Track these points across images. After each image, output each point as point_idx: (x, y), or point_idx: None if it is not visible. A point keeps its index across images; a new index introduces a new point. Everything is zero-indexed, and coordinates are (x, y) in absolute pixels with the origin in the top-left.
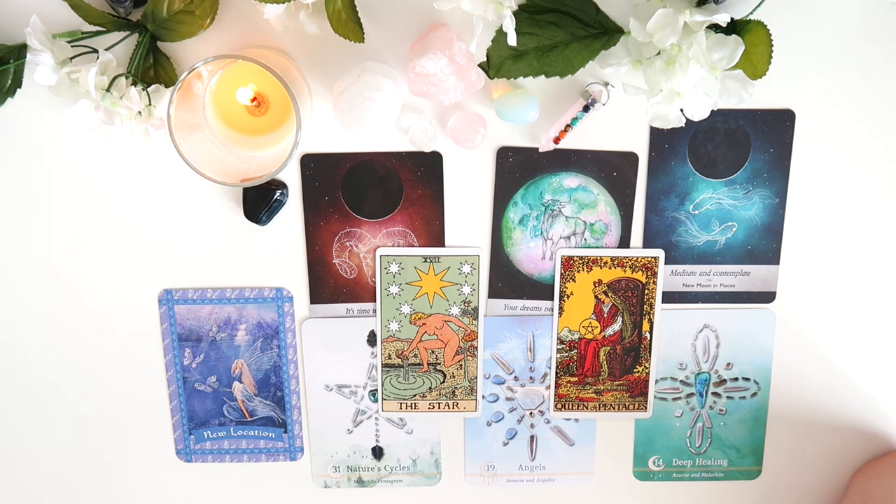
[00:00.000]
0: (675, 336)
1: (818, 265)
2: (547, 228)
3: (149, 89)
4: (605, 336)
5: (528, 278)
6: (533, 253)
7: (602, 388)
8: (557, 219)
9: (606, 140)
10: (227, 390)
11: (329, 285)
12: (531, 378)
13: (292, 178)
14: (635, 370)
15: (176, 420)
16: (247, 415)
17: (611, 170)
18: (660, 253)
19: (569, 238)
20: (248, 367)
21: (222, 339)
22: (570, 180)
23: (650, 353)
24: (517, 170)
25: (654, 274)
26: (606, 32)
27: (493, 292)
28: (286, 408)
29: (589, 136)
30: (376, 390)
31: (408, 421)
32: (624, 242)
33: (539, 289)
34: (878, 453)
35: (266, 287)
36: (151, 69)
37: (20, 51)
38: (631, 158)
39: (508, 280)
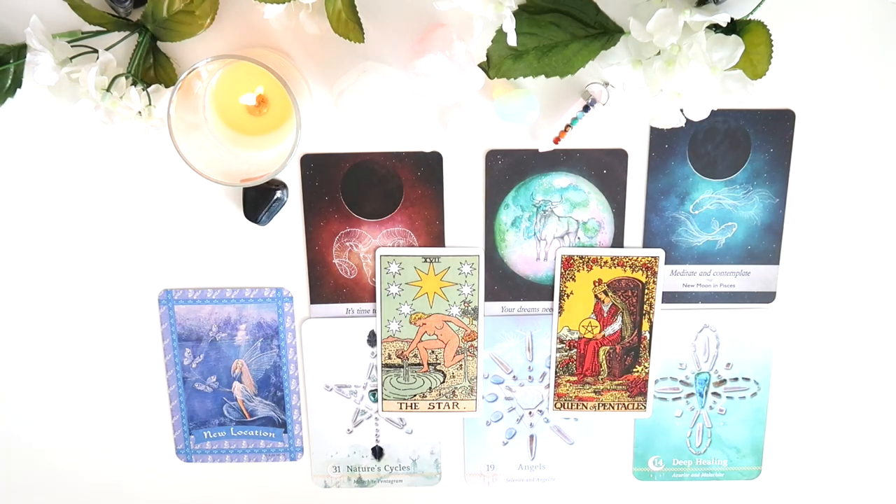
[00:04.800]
0: (675, 336)
1: (818, 265)
2: (540, 229)
3: (149, 89)
4: (604, 335)
5: (523, 280)
6: (527, 254)
7: (601, 387)
8: (550, 219)
9: (606, 140)
10: (227, 390)
11: (329, 285)
12: (530, 378)
13: (292, 178)
14: (635, 370)
15: (176, 420)
16: (247, 415)
17: (600, 167)
18: (660, 253)
19: (562, 237)
20: (248, 367)
21: (222, 339)
22: (561, 180)
23: (650, 352)
24: (507, 172)
25: (654, 274)
26: (606, 32)
27: (490, 295)
28: (286, 408)
29: (588, 136)
30: (376, 390)
31: (408, 421)
32: (618, 239)
33: (535, 290)
34: (878, 453)
35: (266, 287)
36: (151, 69)
37: (20, 51)
38: (620, 155)
39: (504, 282)
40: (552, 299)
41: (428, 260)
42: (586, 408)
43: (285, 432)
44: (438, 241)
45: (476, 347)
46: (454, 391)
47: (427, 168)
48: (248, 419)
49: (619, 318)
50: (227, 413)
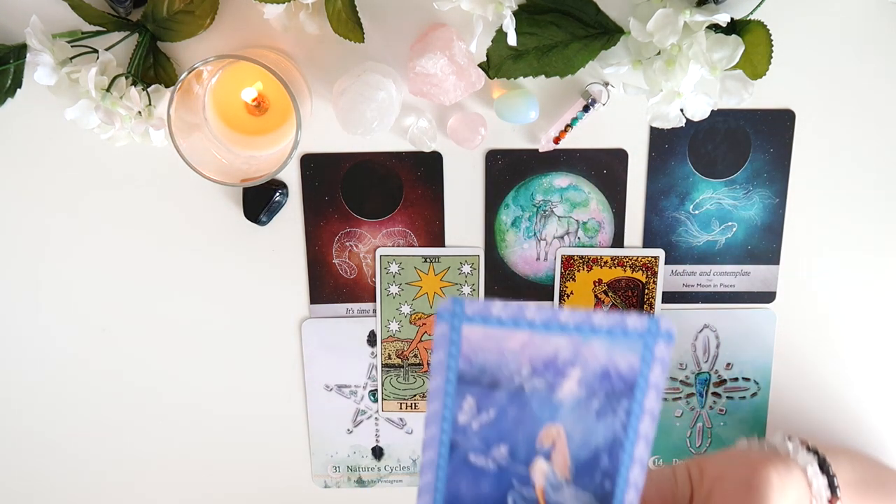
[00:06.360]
0: (674, 336)
1: (818, 265)
2: (540, 229)
3: (149, 89)
4: None
5: (523, 280)
6: (527, 254)
7: None
8: (550, 219)
9: (606, 140)
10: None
11: (329, 285)
12: None
13: (292, 178)
14: None
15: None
16: None
17: (601, 167)
18: (660, 253)
19: (562, 238)
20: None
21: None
22: (561, 180)
23: None
24: (507, 172)
25: (655, 274)
26: (606, 32)
27: (490, 295)
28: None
29: (588, 136)
30: (376, 390)
31: (408, 421)
32: (618, 239)
33: (535, 290)
34: (877, 453)
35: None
36: (151, 69)
37: (20, 51)
38: (620, 155)
39: (504, 283)
40: (552, 299)
41: (428, 260)
42: None
43: None
44: (438, 241)
45: None
46: None
47: (427, 168)
48: None
49: None
50: None
